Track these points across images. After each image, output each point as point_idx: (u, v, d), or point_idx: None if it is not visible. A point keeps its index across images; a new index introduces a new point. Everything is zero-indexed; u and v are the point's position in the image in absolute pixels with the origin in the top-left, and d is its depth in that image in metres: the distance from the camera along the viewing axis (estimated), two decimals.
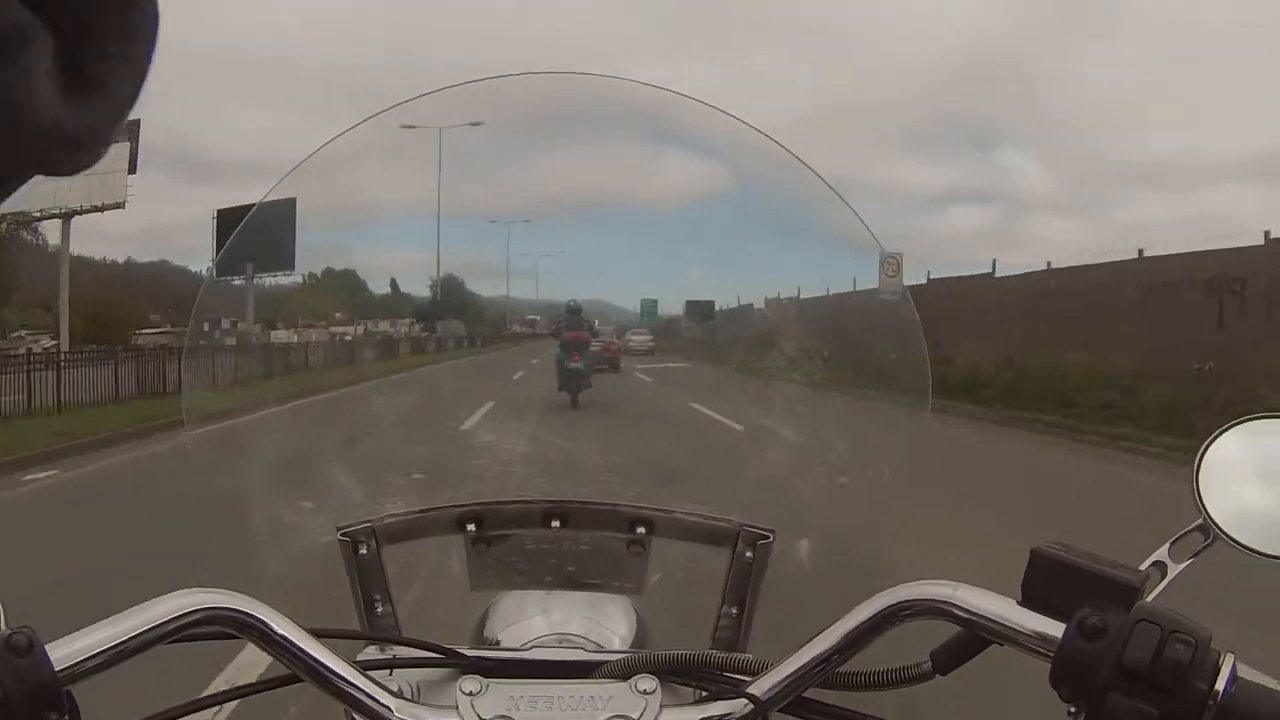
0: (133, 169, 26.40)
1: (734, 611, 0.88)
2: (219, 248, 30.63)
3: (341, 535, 0.87)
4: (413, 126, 0.96)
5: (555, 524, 0.89)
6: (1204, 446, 0.74)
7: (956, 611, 0.64)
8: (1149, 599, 0.63)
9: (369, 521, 0.88)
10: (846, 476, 0.94)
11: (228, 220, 31.47)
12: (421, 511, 0.91)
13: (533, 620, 0.89)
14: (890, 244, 1.26)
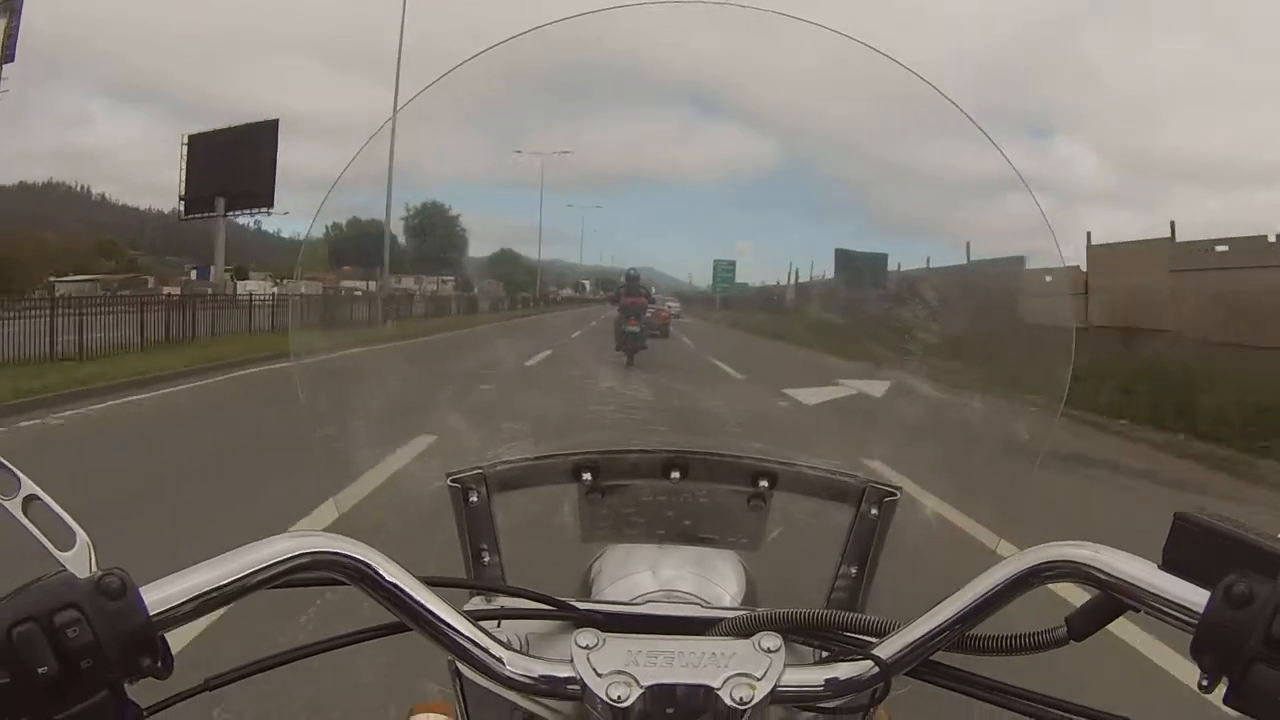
0: (9, 56, 24.66)
1: (853, 571, 0.95)
2: (189, 180, 29.44)
3: (452, 482, 0.94)
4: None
5: (675, 475, 0.96)
6: None
7: (1097, 574, 0.69)
8: None
9: (480, 467, 0.95)
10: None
11: (201, 147, 29.94)
12: (536, 458, 0.97)
13: (641, 575, 0.95)
14: (934, 233, 1.28)
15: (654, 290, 2.51)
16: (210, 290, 28.34)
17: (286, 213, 31.40)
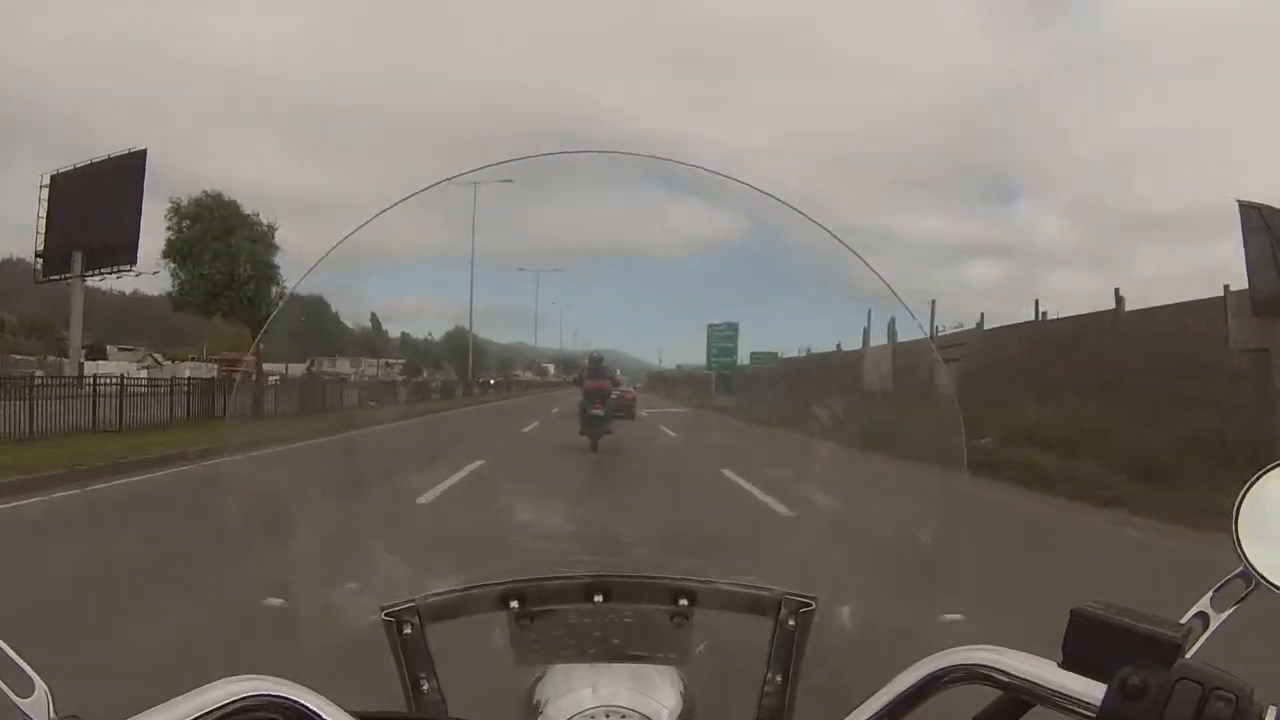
0: None
1: (778, 679, 1.08)
2: (49, 231, 27.14)
3: (385, 615, 1.06)
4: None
5: (598, 598, 1.09)
6: (1242, 492, 0.91)
7: (999, 676, 0.82)
8: (1193, 651, 0.81)
9: (412, 601, 1.07)
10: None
11: (62, 189, 27.36)
12: (465, 589, 1.10)
13: (580, 693, 1.07)
14: (904, 297, 1.50)
15: (619, 373, 2.59)
16: (39, 372, 25.07)
17: (156, 272, 27.86)
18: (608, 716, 1.04)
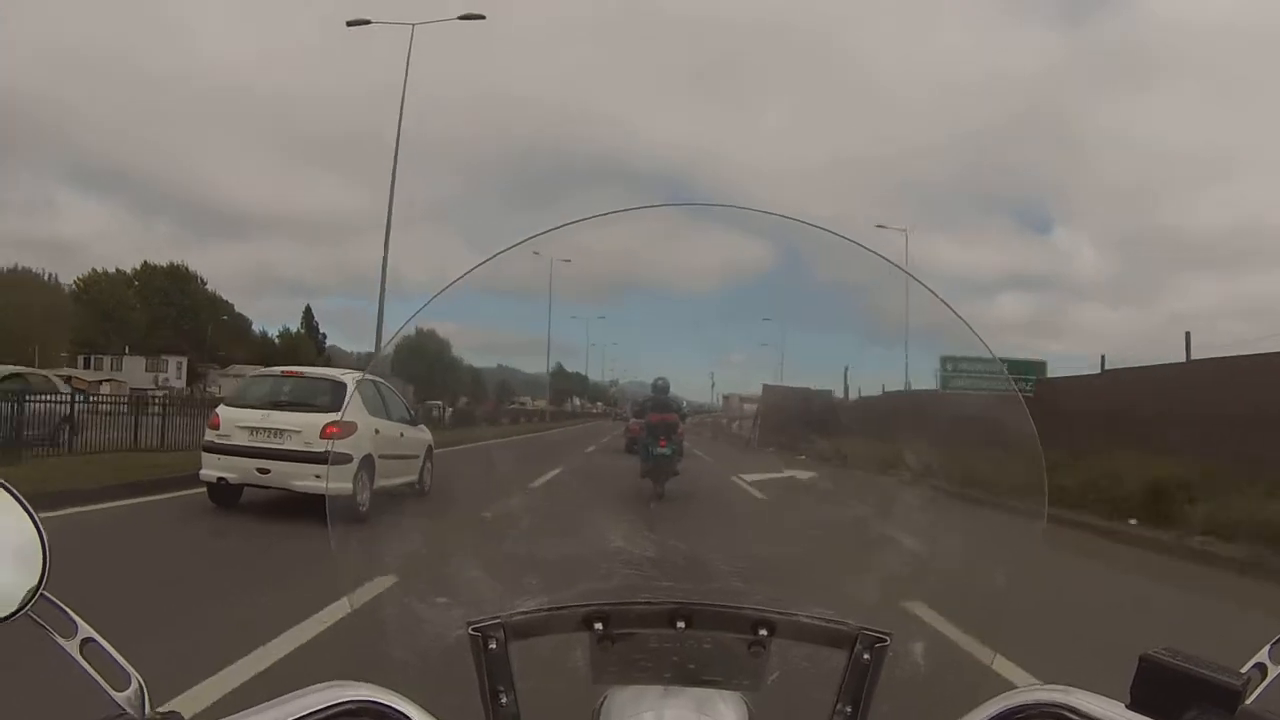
0: None
1: (848, 710, 1.12)
2: None
3: (472, 630, 1.12)
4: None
5: (680, 624, 1.14)
6: None
7: (1069, 716, 0.86)
8: (1251, 699, 0.85)
9: (499, 617, 1.13)
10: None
11: None
12: (551, 609, 1.16)
13: (646, 716, 1.12)
14: (927, 333, 1.48)
15: (685, 404, 2.46)
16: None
17: None
18: None
